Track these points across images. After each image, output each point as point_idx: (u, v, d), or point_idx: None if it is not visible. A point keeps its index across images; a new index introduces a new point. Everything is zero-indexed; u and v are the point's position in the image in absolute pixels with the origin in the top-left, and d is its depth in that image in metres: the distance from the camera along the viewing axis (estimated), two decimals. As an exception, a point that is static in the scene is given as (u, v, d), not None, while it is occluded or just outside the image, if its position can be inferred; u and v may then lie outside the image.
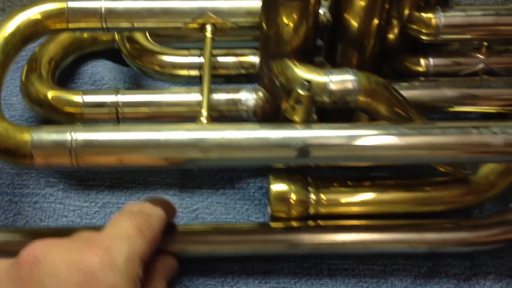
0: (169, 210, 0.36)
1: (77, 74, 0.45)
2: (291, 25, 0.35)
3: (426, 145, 0.33)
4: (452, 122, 0.34)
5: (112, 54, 0.46)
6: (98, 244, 0.30)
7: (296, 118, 0.34)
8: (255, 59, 0.40)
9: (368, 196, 0.38)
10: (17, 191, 0.40)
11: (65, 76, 0.45)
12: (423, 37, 0.38)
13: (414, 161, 0.34)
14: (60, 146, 0.33)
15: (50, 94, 0.40)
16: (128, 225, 0.32)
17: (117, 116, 0.39)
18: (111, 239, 0.31)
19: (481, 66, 0.40)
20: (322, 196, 0.38)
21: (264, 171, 0.41)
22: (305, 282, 0.37)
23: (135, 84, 0.46)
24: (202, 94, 0.36)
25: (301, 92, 0.34)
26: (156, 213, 0.34)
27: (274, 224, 0.38)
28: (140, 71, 0.42)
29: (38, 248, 0.30)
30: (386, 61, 0.40)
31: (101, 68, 0.45)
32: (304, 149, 0.33)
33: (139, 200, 0.39)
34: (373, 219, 0.38)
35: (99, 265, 0.29)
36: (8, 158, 0.33)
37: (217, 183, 0.41)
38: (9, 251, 0.35)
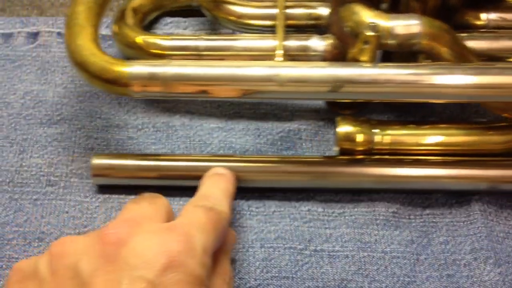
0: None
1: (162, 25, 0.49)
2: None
3: (484, 84, 0.35)
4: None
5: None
6: (179, 231, 0.31)
7: (364, 58, 0.38)
8: (323, 11, 0.44)
9: (429, 137, 0.40)
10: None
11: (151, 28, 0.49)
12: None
13: (473, 99, 0.36)
14: (153, 77, 0.36)
15: (139, 38, 0.44)
16: (204, 218, 0.33)
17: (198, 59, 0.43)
18: (191, 228, 0.32)
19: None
20: (386, 137, 0.40)
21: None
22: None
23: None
24: (277, 38, 0.40)
25: (369, 33, 0.37)
26: (226, 214, 0.35)
27: (340, 157, 0.40)
28: (216, 21, 0.46)
29: (122, 228, 0.31)
30: (446, 15, 0.43)
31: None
32: (370, 85, 0.36)
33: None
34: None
35: (183, 250, 0.30)
36: (110, 87, 0.37)
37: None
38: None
